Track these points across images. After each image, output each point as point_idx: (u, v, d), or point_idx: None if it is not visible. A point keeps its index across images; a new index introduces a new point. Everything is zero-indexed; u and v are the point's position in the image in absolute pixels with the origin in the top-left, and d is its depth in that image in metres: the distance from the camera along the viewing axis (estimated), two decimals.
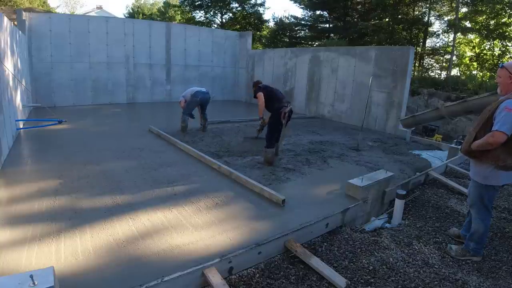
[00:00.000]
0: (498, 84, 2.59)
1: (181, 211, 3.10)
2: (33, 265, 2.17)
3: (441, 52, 18.56)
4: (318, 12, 21.44)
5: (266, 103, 4.82)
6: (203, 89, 6.79)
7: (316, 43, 21.48)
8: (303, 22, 22.09)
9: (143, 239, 2.57)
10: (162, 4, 32.27)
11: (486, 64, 16.54)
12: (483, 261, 2.78)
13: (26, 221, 2.76)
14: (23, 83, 6.92)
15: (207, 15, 24.79)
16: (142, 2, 36.31)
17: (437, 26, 24.24)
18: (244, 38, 12.83)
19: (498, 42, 15.94)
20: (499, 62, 14.92)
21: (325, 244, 2.90)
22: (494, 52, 16.37)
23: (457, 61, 18.25)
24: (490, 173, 2.52)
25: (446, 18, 17.97)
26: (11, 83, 5.29)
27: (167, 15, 29.09)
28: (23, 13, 8.62)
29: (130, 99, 10.79)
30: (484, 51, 17.00)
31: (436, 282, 2.45)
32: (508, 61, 12.03)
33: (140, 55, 10.75)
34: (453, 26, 15.70)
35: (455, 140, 7.99)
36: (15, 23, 8.49)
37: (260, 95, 4.81)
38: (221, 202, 3.36)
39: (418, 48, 18.05)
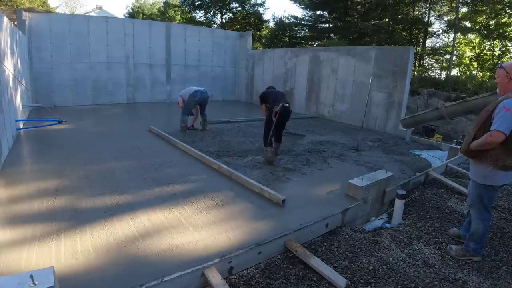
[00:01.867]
0: (497, 84, 2.61)
1: (181, 211, 3.10)
2: (33, 265, 2.17)
3: (441, 52, 18.57)
4: (318, 12, 21.47)
5: (265, 103, 5.15)
6: (201, 88, 6.77)
7: (316, 43, 21.50)
8: (303, 22, 22.10)
9: (143, 239, 2.57)
10: (162, 4, 32.27)
11: (486, 64, 16.55)
12: (483, 261, 2.78)
13: (26, 221, 2.76)
14: (23, 83, 6.92)
15: (207, 15, 24.82)
16: (142, 2, 36.28)
17: (437, 26, 24.30)
18: (244, 38, 12.83)
19: (498, 42, 15.95)
20: (499, 62, 14.94)
21: (325, 244, 2.90)
22: (494, 52, 16.38)
23: (457, 61, 18.26)
24: (489, 173, 2.52)
25: (446, 18, 17.99)
26: (11, 83, 5.29)
27: (167, 15, 29.08)
28: (23, 13, 8.62)
29: (130, 99, 10.79)
30: (484, 51, 17.01)
31: (436, 282, 2.45)
32: (508, 61, 12.02)
33: (140, 55, 10.75)
34: (453, 26, 15.71)
35: (455, 140, 8.00)
36: (15, 23, 8.50)
37: (262, 104, 5.26)
38: (221, 202, 3.36)
39: (418, 48, 18.06)
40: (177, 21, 27.33)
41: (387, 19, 18.72)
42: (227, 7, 23.90)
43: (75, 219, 2.84)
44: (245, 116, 8.88)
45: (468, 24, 16.11)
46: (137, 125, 7.26)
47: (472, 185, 2.74)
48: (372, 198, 3.65)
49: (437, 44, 19.37)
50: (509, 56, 15.71)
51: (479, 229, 2.71)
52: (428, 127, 9.05)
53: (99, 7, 33.59)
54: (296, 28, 22.45)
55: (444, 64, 18.56)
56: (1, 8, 16.31)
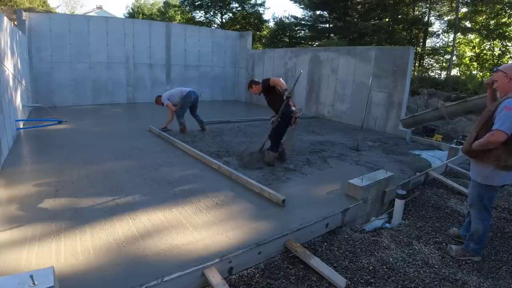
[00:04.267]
0: (496, 89, 2.55)
1: (181, 211, 3.10)
2: (33, 265, 2.17)
3: (441, 52, 18.57)
4: (318, 12, 21.48)
5: (273, 100, 4.89)
6: (191, 88, 6.68)
7: (316, 43, 21.49)
8: (303, 22, 22.11)
9: (143, 239, 2.57)
10: (162, 4, 32.28)
11: (486, 64, 16.55)
12: (483, 261, 2.78)
13: (26, 221, 2.76)
14: (23, 83, 6.92)
15: (207, 15, 24.84)
16: (142, 2, 36.27)
17: (437, 26, 24.29)
18: (244, 38, 12.83)
19: (498, 42, 15.95)
20: (499, 62, 14.93)
21: (325, 244, 2.90)
22: (494, 52, 16.38)
23: (457, 61, 18.26)
24: (490, 173, 2.51)
25: (446, 18, 18.00)
26: (11, 83, 5.29)
27: (167, 15, 29.08)
28: (23, 13, 8.62)
29: (130, 99, 10.79)
30: (484, 51, 17.01)
31: (436, 282, 2.45)
32: (507, 62, 12.00)
33: (140, 55, 10.75)
34: (453, 26, 15.71)
35: (455, 140, 7.99)
36: (15, 23, 8.50)
37: (261, 87, 4.96)
38: (221, 202, 3.36)
39: (418, 48, 18.06)
40: (177, 21, 27.33)
41: (387, 19, 18.73)
42: (227, 7, 23.91)
43: (75, 219, 2.84)
44: (245, 116, 8.88)
45: (468, 24, 16.11)
46: (137, 125, 7.26)
47: (472, 184, 2.74)
48: (372, 198, 3.65)
49: (437, 44, 19.40)
50: (509, 56, 15.71)
51: (479, 229, 2.70)
52: (428, 127, 9.05)
53: (99, 7, 33.62)
54: (296, 28, 22.45)
55: (444, 64, 18.56)
56: (1, 8, 16.31)
